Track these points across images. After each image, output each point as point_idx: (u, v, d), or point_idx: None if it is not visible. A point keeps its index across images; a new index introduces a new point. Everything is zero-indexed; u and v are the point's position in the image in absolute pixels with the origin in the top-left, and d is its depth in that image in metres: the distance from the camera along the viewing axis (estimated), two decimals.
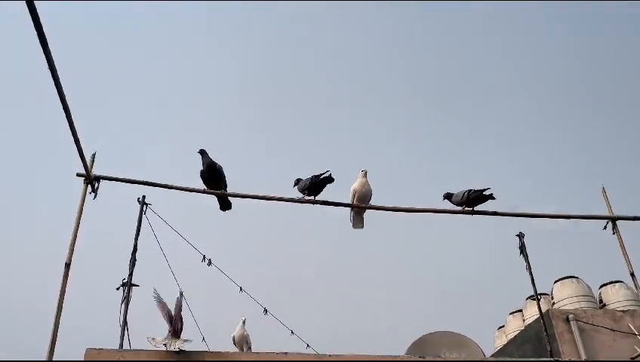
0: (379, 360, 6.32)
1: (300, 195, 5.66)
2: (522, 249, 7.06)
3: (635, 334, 8.23)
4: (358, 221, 5.68)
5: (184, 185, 5.95)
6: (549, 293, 10.30)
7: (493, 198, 5.67)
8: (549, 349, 7.39)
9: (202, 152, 6.09)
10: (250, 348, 6.99)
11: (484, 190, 5.67)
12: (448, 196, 5.78)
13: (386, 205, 5.67)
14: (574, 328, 9.10)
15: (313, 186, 5.62)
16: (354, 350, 6.57)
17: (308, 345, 9.05)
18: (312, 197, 5.60)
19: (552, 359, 6.79)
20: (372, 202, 5.67)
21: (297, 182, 5.73)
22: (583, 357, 8.68)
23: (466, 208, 5.66)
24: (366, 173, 5.61)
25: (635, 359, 5.87)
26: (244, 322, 7.06)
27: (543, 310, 9.79)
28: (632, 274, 5.56)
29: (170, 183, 5.86)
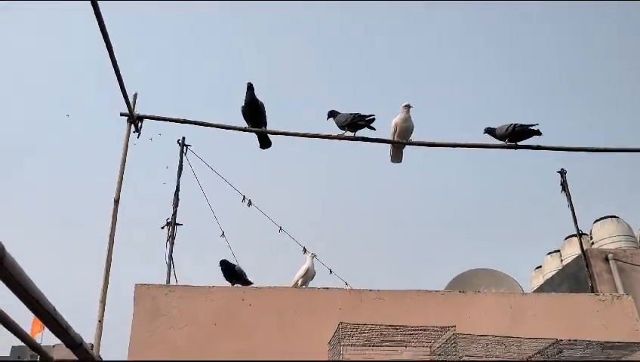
0: (418, 293, 6.42)
1: (338, 129, 5.63)
2: (564, 186, 7.00)
3: None
4: (396, 155, 5.65)
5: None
6: (588, 233, 10.22)
7: (540, 134, 5.56)
8: (589, 285, 7.38)
9: (249, 86, 6.06)
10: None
11: (532, 125, 5.56)
12: (490, 131, 5.68)
13: (426, 140, 5.63)
14: (613, 267, 9.06)
15: (354, 124, 5.57)
16: (394, 286, 6.69)
17: (346, 283, 9.23)
18: (352, 134, 5.58)
19: (592, 294, 6.79)
20: (412, 137, 5.63)
21: (333, 114, 5.67)
22: (623, 294, 8.67)
23: (509, 142, 5.58)
24: (409, 107, 5.55)
25: None
26: (313, 257, 7.17)
27: (580, 250, 9.75)
28: None
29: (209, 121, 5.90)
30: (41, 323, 2.75)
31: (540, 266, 11.22)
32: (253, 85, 5.89)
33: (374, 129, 5.47)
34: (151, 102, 6.59)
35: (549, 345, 5.45)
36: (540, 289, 10.15)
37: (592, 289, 7.44)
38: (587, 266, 7.60)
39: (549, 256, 10.91)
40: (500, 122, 5.79)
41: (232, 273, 6.46)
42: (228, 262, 6.63)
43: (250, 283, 6.50)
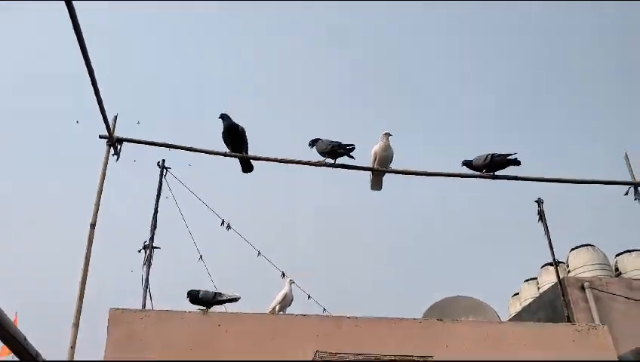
0: (395, 321, 6.41)
1: (318, 156, 5.66)
2: (541, 215, 7.07)
3: None
4: (376, 183, 5.68)
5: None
6: (565, 261, 10.32)
7: (518, 164, 5.63)
8: (565, 314, 7.43)
9: (223, 117, 6.10)
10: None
11: (509, 155, 5.64)
12: (467, 163, 5.75)
13: (406, 168, 5.67)
14: (589, 296, 9.15)
15: (333, 152, 5.61)
16: (371, 313, 6.67)
17: (324, 309, 9.18)
18: (332, 161, 5.61)
19: (568, 323, 6.84)
20: (392, 165, 5.67)
21: (314, 142, 5.71)
22: (598, 324, 8.74)
23: (487, 172, 5.64)
24: (389, 135, 5.59)
25: None
26: (291, 283, 7.12)
27: (556, 278, 9.84)
28: None
29: (191, 145, 5.89)
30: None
31: (518, 293, 11.28)
32: (228, 114, 5.92)
33: (353, 158, 5.51)
34: (132, 124, 6.57)
35: None
36: (518, 317, 10.19)
37: (568, 318, 7.48)
38: (563, 295, 7.66)
39: (526, 283, 10.98)
40: (482, 150, 5.86)
41: (195, 300, 6.37)
42: (192, 290, 6.55)
43: (234, 299, 6.39)
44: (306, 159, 5.82)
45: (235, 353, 5.94)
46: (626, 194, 5.69)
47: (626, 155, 5.80)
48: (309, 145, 5.78)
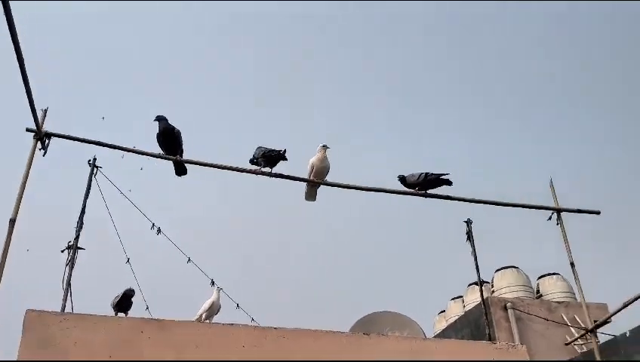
0: (322, 333, 6.40)
1: (252, 164, 5.63)
2: (469, 235, 7.25)
3: (568, 325, 8.60)
4: (311, 194, 5.69)
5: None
6: (490, 281, 10.64)
7: (450, 184, 5.77)
8: (487, 333, 7.64)
9: (159, 118, 5.97)
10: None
11: (443, 174, 5.77)
12: (402, 179, 5.86)
13: (342, 182, 5.71)
14: (511, 316, 9.48)
15: (267, 159, 5.57)
16: (298, 325, 6.64)
17: (252, 319, 9.09)
18: (268, 170, 5.58)
19: (489, 342, 7.03)
20: (328, 177, 5.70)
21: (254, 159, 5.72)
22: (517, 343, 9.05)
23: (419, 190, 5.76)
24: (326, 148, 5.63)
25: (568, 344, 6.15)
26: (219, 291, 6.98)
27: (484, 297, 10.14)
28: (572, 264, 5.80)
29: (123, 145, 5.72)
30: None
31: (444, 311, 11.53)
32: (165, 116, 5.81)
33: (286, 159, 5.50)
34: (62, 119, 6.33)
35: None
36: (443, 333, 10.42)
37: (490, 336, 7.70)
38: (486, 314, 7.88)
39: (452, 301, 11.25)
40: (417, 168, 5.96)
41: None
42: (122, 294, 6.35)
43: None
44: (243, 166, 5.77)
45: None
46: (549, 219, 5.93)
47: (551, 181, 6.04)
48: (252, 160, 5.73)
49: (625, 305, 5.45)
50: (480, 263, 9.02)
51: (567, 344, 6.27)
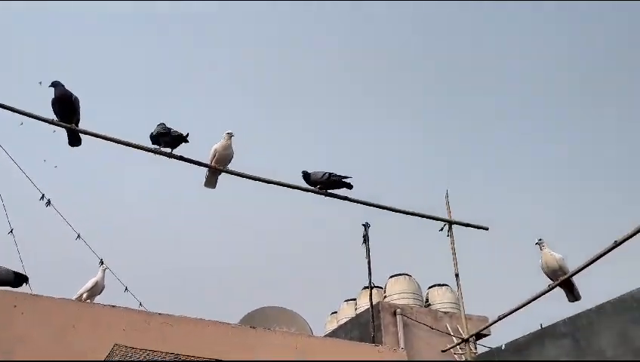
0: (209, 324, 6.31)
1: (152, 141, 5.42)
2: (365, 238, 7.39)
3: (449, 334, 8.94)
4: (211, 181, 5.58)
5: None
6: (383, 287, 10.89)
7: (350, 187, 5.84)
8: (372, 335, 7.81)
9: (55, 84, 5.62)
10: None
11: (346, 177, 5.83)
12: (306, 175, 5.87)
13: (245, 172, 5.64)
14: (399, 321, 9.75)
15: (167, 139, 5.39)
16: (187, 313, 6.51)
17: (140, 304, 8.81)
18: (168, 150, 5.41)
19: (372, 344, 7.19)
20: (231, 166, 5.60)
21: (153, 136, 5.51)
22: (398, 348, 9.34)
23: (321, 188, 5.79)
24: (231, 135, 5.53)
25: (445, 351, 6.40)
26: (105, 270, 6.52)
27: (375, 301, 10.37)
28: (457, 275, 6.03)
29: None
30: None
31: (336, 312, 11.68)
32: (60, 82, 5.47)
33: (187, 141, 5.34)
34: None
35: None
36: (333, 334, 10.55)
37: (374, 339, 7.87)
38: (372, 318, 8.06)
39: (345, 303, 11.41)
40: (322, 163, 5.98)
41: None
42: None
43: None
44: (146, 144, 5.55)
45: (31, 338, 5.48)
46: (441, 230, 6.14)
47: (447, 194, 6.27)
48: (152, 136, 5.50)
49: (499, 319, 5.75)
50: (376, 268, 9.26)
51: (443, 351, 6.51)
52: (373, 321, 8.08)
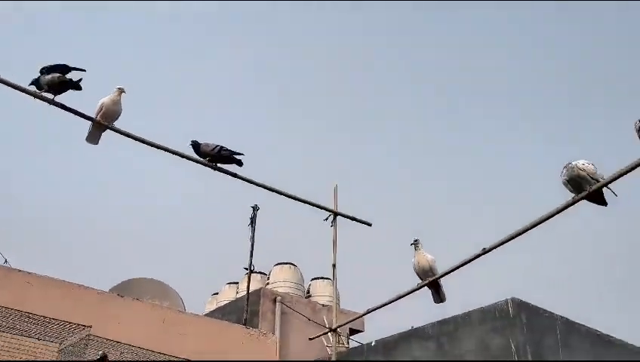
0: (74, 287, 6.02)
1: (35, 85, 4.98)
2: (253, 221, 7.30)
3: (325, 326, 9.04)
4: (94, 136, 5.23)
5: None
6: (268, 273, 10.87)
7: (241, 164, 5.68)
8: (244, 318, 7.75)
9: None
10: None
11: (237, 153, 5.66)
12: (196, 145, 5.65)
13: (133, 132, 5.35)
14: (278, 309, 9.77)
15: (56, 84, 4.95)
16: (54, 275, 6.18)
17: (6, 261, 8.27)
18: (50, 96, 5.02)
19: (244, 327, 7.11)
20: (118, 123, 5.29)
21: (41, 72, 5.05)
22: (277, 336, 9.36)
23: (210, 161, 5.61)
24: (122, 91, 5.22)
25: (313, 338, 6.44)
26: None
27: (257, 287, 10.32)
28: (334, 266, 6.07)
29: None
30: None
31: (217, 293, 11.53)
32: None
33: (80, 88, 4.97)
34: None
35: None
36: (211, 314, 10.40)
37: (246, 322, 7.81)
38: (247, 301, 8.01)
39: (227, 285, 11.28)
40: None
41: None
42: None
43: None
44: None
45: None
46: (326, 219, 6.15)
47: (336, 187, 6.29)
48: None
49: (367, 312, 5.85)
50: (264, 254, 9.24)
51: (310, 339, 6.55)
52: (247, 304, 8.02)
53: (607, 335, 6.68)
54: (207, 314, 10.65)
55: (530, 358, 6.19)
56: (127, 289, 7.22)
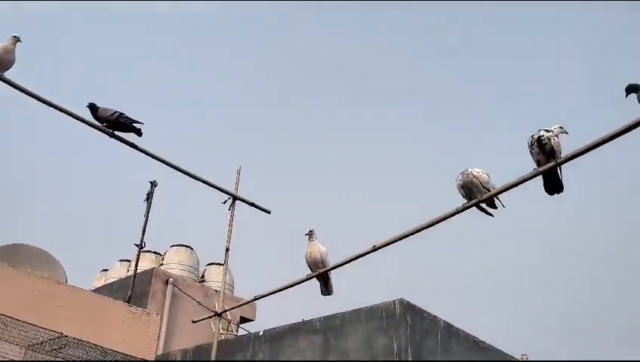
0: None
1: None
2: (149, 197, 7.03)
3: (215, 313, 8.90)
4: None
5: None
6: (163, 254, 10.58)
7: (140, 135, 5.42)
8: (128, 295, 7.49)
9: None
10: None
11: (137, 122, 5.40)
12: (93, 108, 5.34)
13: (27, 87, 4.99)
14: (169, 291, 9.53)
15: None
16: None
17: None
18: None
19: (127, 304, 6.84)
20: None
21: None
22: (165, 317, 9.12)
23: (107, 127, 5.32)
24: (17, 40, 4.83)
25: (196, 321, 6.30)
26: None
27: (150, 266, 10.01)
28: (227, 249, 5.95)
29: None
30: None
31: (107, 269, 11.10)
32: None
33: None
34: None
35: (54, 338, 5.21)
36: (97, 290, 9.98)
37: (129, 300, 7.53)
38: (134, 278, 7.74)
39: (119, 262, 10.87)
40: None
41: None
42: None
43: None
44: None
45: None
46: (224, 202, 6.03)
47: (239, 169, 6.17)
48: None
49: (255, 299, 5.80)
50: (160, 234, 8.94)
51: (194, 321, 6.40)
52: (134, 281, 7.74)
53: (483, 341, 6.96)
54: (93, 291, 10.20)
55: (410, 358, 6.34)
56: (5, 256, 6.75)
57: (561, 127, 3.90)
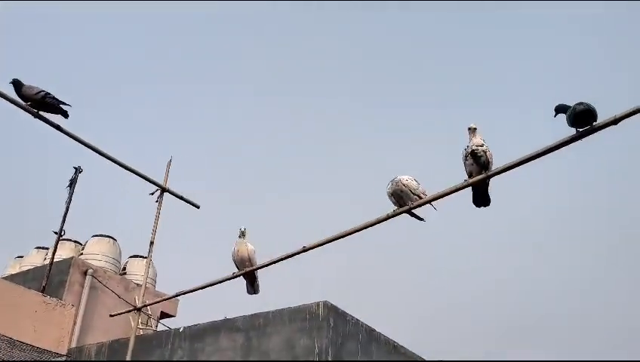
0: None
1: None
2: (72, 183, 6.75)
3: (134, 308, 8.66)
4: None
5: None
6: (83, 243, 10.19)
7: (66, 116, 5.18)
8: (43, 285, 7.15)
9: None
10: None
11: (64, 103, 5.15)
12: (18, 85, 5.05)
13: None
14: (87, 282, 9.18)
15: None
16: None
17: None
18: None
19: (40, 294, 6.54)
20: None
21: None
22: (82, 310, 8.78)
23: (31, 106, 5.05)
24: None
25: (114, 315, 6.07)
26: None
27: (69, 255, 9.61)
28: (152, 243, 5.77)
29: None
30: None
31: (22, 256, 10.58)
32: None
33: None
34: None
35: None
36: (10, 278, 9.49)
37: (44, 290, 7.21)
38: (50, 267, 7.41)
39: (36, 250, 10.38)
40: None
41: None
42: None
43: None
44: None
45: None
46: (152, 194, 5.85)
47: (170, 160, 6.02)
48: None
49: (176, 295, 5.66)
50: (83, 222, 8.61)
51: (111, 315, 6.19)
52: (49, 270, 7.40)
53: (402, 346, 7.08)
54: (5, 278, 9.69)
55: (330, 359, 6.37)
56: None
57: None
